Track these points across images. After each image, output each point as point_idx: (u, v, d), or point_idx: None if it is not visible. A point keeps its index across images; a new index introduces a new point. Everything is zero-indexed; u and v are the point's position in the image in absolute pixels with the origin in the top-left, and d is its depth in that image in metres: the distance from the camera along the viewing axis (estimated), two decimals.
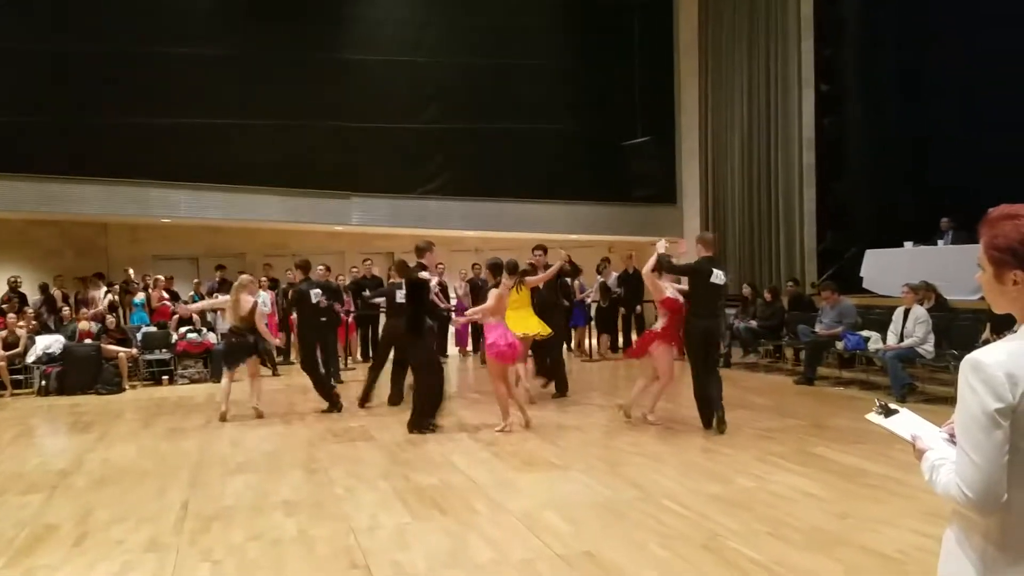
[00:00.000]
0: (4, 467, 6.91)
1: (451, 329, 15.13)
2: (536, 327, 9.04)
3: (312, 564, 4.33)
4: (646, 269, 7.70)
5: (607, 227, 16.61)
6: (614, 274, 14.19)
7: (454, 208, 16.21)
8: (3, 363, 11.39)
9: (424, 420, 7.84)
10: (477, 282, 15.01)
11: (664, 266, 7.51)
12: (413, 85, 15.87)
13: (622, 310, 14.11)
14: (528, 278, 9.15)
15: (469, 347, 15.21)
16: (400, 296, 9.47)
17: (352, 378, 12.15)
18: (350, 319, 13.42)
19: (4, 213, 14.25)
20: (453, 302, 15.08)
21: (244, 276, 9.41)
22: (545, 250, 10.51)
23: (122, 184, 14.15)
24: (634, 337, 13.97)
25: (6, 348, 11.51)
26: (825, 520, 4.79)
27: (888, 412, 2.01)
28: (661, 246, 7.67)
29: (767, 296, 12.27)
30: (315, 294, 9.54)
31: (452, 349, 15.06)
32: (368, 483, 5.99)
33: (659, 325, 7.86)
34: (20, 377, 11.61)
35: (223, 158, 14.42)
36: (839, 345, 10.19)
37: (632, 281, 13.91)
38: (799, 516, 4.87)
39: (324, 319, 11.89)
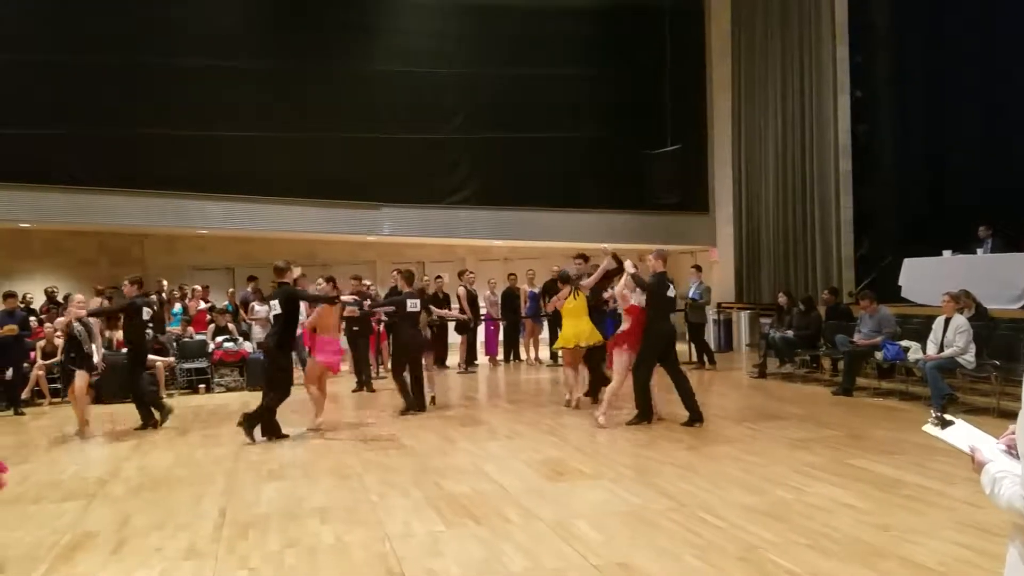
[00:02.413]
0: (42, 475, 7.04)
1: (480, 338, 15.19)
2: (587, 337, 9.10)
3: (348, 571, 4.35)
4: (619, 285, 8.50)
5: (637, 236, 16.55)
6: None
7: (483, 217, 16.27)
8: (41, 372, 11.62)
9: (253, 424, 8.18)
10: (509, 292, 15.09)
11: (637, 282, 8.34)
12: (441, 95, 15.96)
13: None
14: (582, 282, 9.25)
15: (500, 355, 15.23)
16: (411, 305, 9.56)
17: (383, 386, 12.22)
18: (381, 328, 13.49)
19: (41, 224, 14.58)
20: (483, 312, 15.13)
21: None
22: (586, 259, 10.51)
23: (159, 196, 14.41)
24: None
25: (44, 357, 11.73)
26: (864, 532, 4.71)
27: (944, 423, 1.97)
28: (630, 266, 8.45)
29: (803, 305, 12.13)
30: (412, 303, 9.67)
31: (482, 358, 15.08)
32: (400, 490, 6.02)
33: (623, 328, 8.46)
34: (58, 386, 11.82)
35: (257, 170, 14.62)
36: (878, 355, 10.01)
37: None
38: (837, 528, 4.79)
39: (356, 328, 12.04)
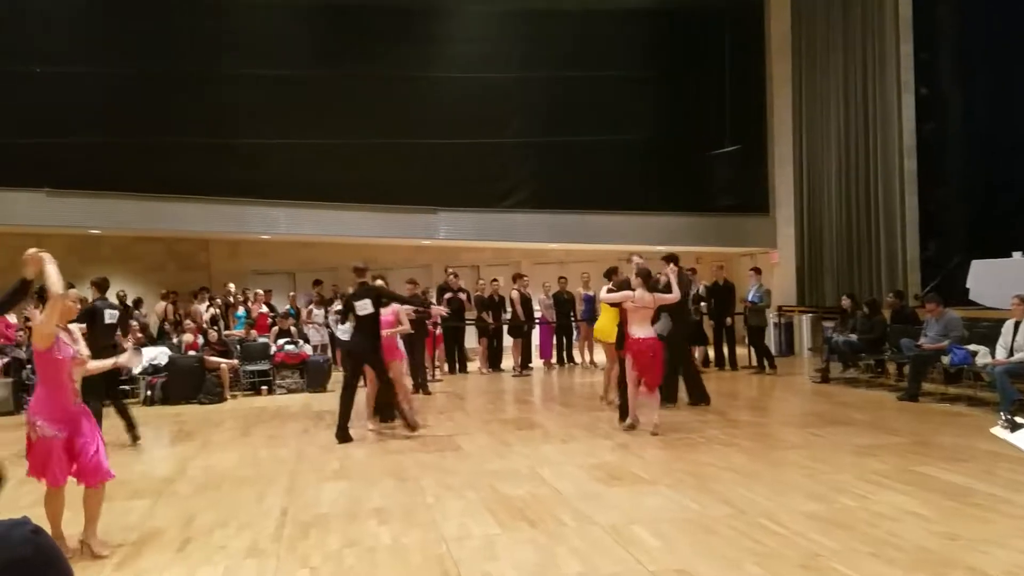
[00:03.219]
0: None
1: (535, 341, 15.21)
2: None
3: (407, 571, 4.40)
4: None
5: (695, 238, 16.35)
6: (702, 285, 13.93)
7: (538, 221, 16.27)
8: None
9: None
10: (562, 295, 15.08)
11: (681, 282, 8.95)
12: (497, 100, 16.01)
13: (711, 323, 13.84)
14: (602, 296, 9.33)
15: (554, 358, 15.22)
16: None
17: (439, 389, 12.33)
18: (437, 331, 13.61)
19: (111, 230, 15.11)
20: (537, 315, 15.15)
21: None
22: (675, 260, 10.39)
23: (223, 202, 14.81)
24: (725, 351, 13.71)
25: None
26: (930, 540, 4.57)
27: (1015, 427, 1.91)
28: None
29: (867, 308, 11.83)
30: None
31: (536, 361, 15.09)
32: (456, 492, 6.06)
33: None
34: (127, 387, 12.22)
35: (316, 176, 14.90)
36: (944, 360, 9.70)
37: (722, 292, 13.64)
38: (903, 536, 4.66)
39: (412, 331, 12.15)
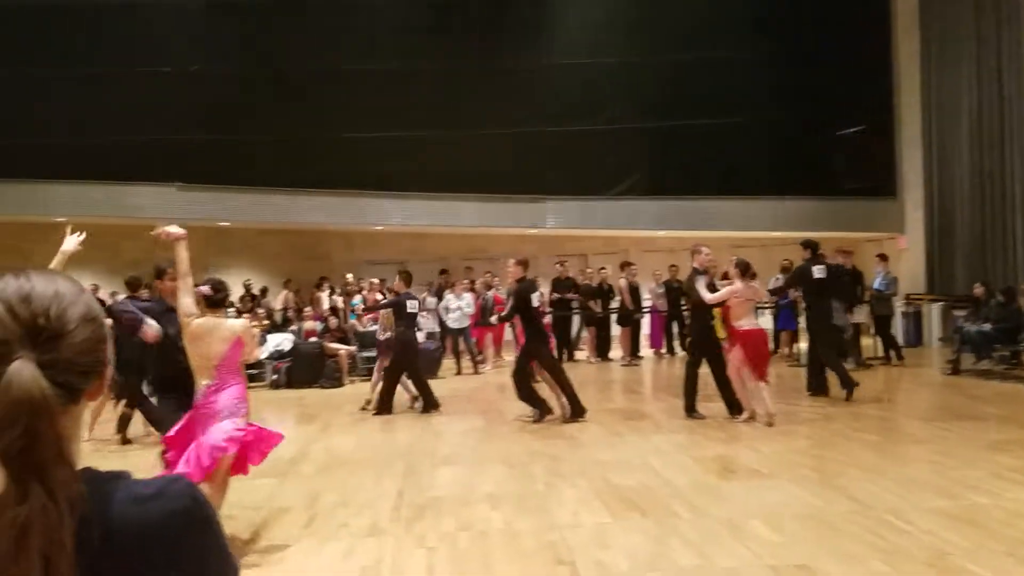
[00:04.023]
0: None
1: (644, 330, 15.02)
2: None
3: (519, 557, 4.45)
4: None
5: (816, 223, 15.71)
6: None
7: (646, 208, 16.04)
8: None
9: None
10: (673, 284, 14.82)
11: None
12: (605, 86, 15.87)
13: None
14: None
15: (664, 348, 15.00)
16: (412, 306, 9.58)
17: (547, 378, 12.35)
18: (545, 320, 13.64)
19: (238, 223, 15.91)
20: (647, 303, 14.95)
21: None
22: (812, 246, 10.20)
23: (338, 195, 15.34)
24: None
25: None
26: None
27: None
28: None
29: (1002, 296, 11.09)
30: (536, 296, 9.27)
31: (647, 350, 14.91)
32: (568, 480, 6.07)
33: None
34: (254, 372, 12.87)
35: (427, 168, 15.21)
36: None
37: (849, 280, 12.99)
38: None
39: None
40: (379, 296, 14.44)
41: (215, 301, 4.91)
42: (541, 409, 8.60)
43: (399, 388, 9.77)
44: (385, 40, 15.51)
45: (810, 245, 9.80)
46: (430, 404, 9.48)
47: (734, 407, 8.28)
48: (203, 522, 1.06)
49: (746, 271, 8.16)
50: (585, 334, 14.88)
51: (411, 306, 9.68)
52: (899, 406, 9.09)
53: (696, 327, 8.89)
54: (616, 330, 14.56)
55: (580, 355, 14.87)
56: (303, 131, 14.98)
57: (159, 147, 14.28)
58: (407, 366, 9.62)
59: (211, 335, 4.70)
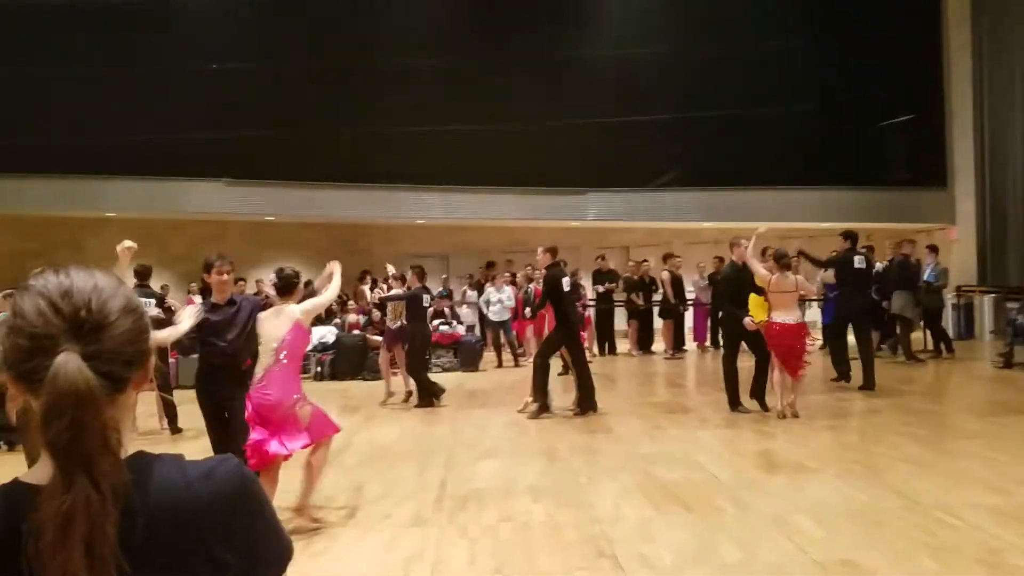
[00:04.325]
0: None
1: (688, 323, 14.88)
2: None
3: (561, 549, 4.45)
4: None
5: (863, 214, 15.39)
6: (878, 264, 13.08)
7: (691, 200, 15.88)
8: None
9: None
10: (717, 276, 14.63)
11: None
12: (646, 77, 15.72)
13: (885, 304, 12.94)
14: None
15: (708, 341, 14.85)
16: (425, 300, 9.61)
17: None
18: (587, 313, 13.61)
19: (281, 217, 16.14)
20: (691, 296, 14.81)
21: None
22: (852, 237, 10.08)
23: (381, 189, 15.46)
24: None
25: None
26: None
27: None
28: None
29: None
30: (566, 281, 9.15)
31: (690, 344, 14.78)
32: (609, 474, 6.04)
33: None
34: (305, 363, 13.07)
35: (468, 161, 15.23)
36: None
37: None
38: None
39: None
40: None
41: (280, 288, 5.12)
42: (541, 404, 8.54)
43: (396, 382, 9.99)
44: (427, 35, 15.55)
45: (850, 236, 9.80)
46: (428, 398, 9.53)
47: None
48: (254, 501, 1.08)
49: (783, 262, 8.07)
50: (627, 327, 14.79)
51: (425, 300, 9.84)
52: (949, 400, 8.89)
53: (726, 318, 8.82)
54: (659, 323, 14.45)
55: (622, 348, 14.78)
56: (346, 126, 15.10)
57: (207, 144, 14.53)
58: (422, 356, 9.86)
59: (273, 320, 4.94)
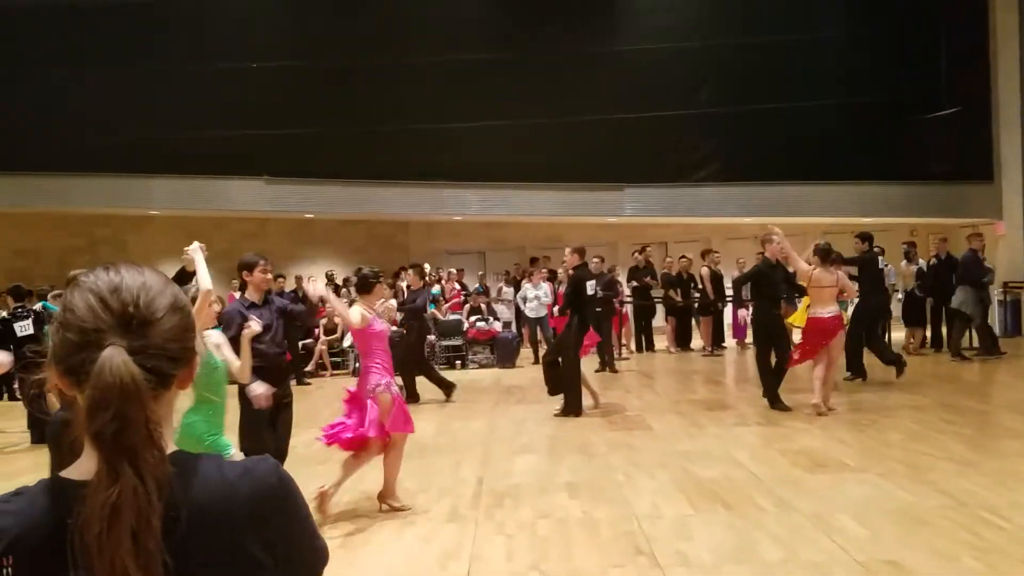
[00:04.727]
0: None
1: (727, 319, 14.73)
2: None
3: (598, 546, 4.44)
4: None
5: (908, 208, 15.06)
6: (921, 261, 12.83)
7: (730, 194, 15.67)
8: (324, 347, 13.04)
9: None
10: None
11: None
12: (685, 70, 15.55)
13: (930, 301, 12.67)
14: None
15: (748, 338, 14.66)
16: (420, 301, 9.88)
17: (627, 368, 12.28)
18: (624, 310, 13.54)
19: (320, 214, 16.32)
20: (730, 292, 14.65)
21: None
22: (868, 239, 10.12)
23: (419, 186, 15.54)
24: (944, 332, 12.58)
25: (326, 334, 13.14)
26: None
27: None
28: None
29: None
30: (591, 285, 9.20)
31: (730, 340, 14.62)
32: (646, 471, 6.01)
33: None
34: (338, 359, 13.22)
35: (505, 158, 15.22)
36: None
37: (942, 268, 12.44)
38: None
39: (599, 309, 12.18)
40: (457, 286, 14.59)
41: (357, 287, 5.64)
42: (570, 404, 8.48)
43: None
44: (464, 30, 15.58)
45: (867, 237, 10.05)
46: (411, 397, 9.59)
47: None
48: (291, 501, 1.09)
49: (826, 257, 7.98)
50: (666, 324, 14.67)
51: (419, 299, 10.11)
52: (995, 399, 8.67)
53: (757, 315, 8.80)
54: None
55: (660, 345, 14.68)
56: (384, 123, 15.19)
57: (248, 142, 14.74)
58: (421, 354, 10.15)
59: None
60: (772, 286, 8.45)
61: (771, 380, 8.26)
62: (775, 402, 8.20)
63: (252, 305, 5.27)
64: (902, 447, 6.50)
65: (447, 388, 9.90)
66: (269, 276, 5.41)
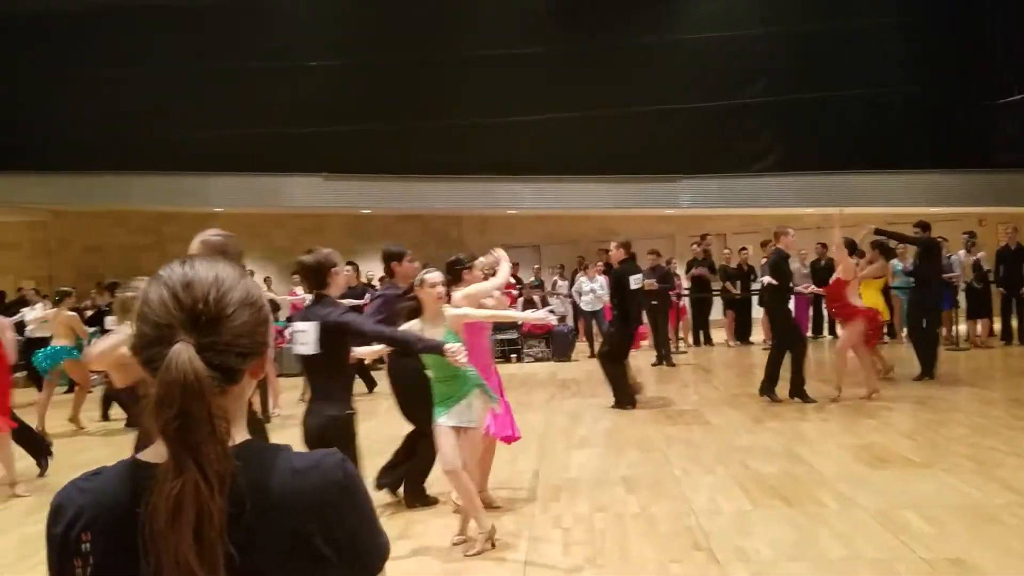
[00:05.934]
0: (385, 431, 7.98)
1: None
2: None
3: (656, 541, 4.43)
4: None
5: (973, 198, 14.56)
6: (982, 252, 12.40)
7: (789, 184, 15.36)
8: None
9: None
10: (820, 263, 14.14)
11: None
12: (742, 59, 15.27)
13: (1000, 291, 12.24)
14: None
15: (809, 331, 14.38)
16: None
17: (684, 362, 12.17)
18: (681, 303, 13.41)
19: (377, 209, 16.54)
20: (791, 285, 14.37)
21: None
22: (926, 227, 9.83)
23: (473, 180, 15.62)
24: (1015, 324, 12.16)
25: None
26: None
27: None
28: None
29: None
30: (635, 279, 8.87)
31: None
32: (705, 467, 5.97)
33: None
34: None
35: (559, 151, 15.18)
36: None
37: (1013, 258, 12.01)
38: None
39: (655, 303, 12.10)
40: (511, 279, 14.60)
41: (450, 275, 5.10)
42: (620, 398, 8.49)
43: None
44: (518, 23, 15.57)
45: (926, 227, 9.82)
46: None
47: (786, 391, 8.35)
48: (356, 496, 1.11)
49: (853, 250, 8.44)
50: (724, 317, 14.47)
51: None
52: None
53: (776, 311, 8.83)
54: (757, 312, 14.08)
55: (718, 338, 14.49)
56: (439, 119, 15.31)
57: (306, 139, 15.01)
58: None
59: None
60: (785, 278, 8.51)
61: (797, 375, 8.32)
62: (802, 396, 8.27)
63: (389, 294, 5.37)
64: (969, 442, 6.32)
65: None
66: (417, 264, 5.51)
